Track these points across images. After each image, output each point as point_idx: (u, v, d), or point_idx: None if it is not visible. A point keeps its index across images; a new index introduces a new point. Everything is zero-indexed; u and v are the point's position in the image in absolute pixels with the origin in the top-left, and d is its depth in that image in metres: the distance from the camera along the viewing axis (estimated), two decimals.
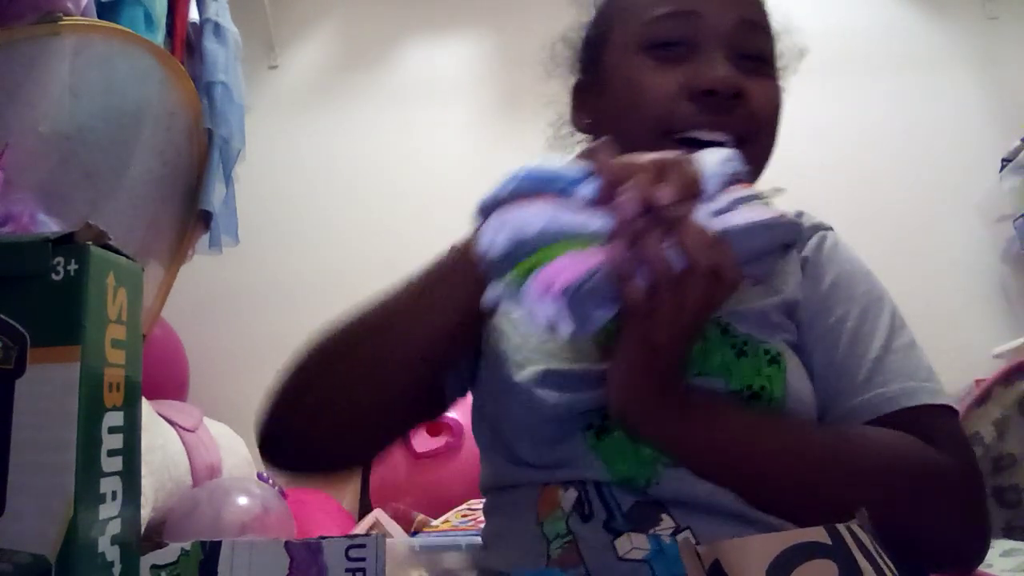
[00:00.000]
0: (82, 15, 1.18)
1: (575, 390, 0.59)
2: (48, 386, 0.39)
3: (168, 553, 0.56)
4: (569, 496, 0.58)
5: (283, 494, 1.74)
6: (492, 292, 0.48)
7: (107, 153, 1.32)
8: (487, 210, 0.49)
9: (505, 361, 0.63)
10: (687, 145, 0.60)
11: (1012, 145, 2.18)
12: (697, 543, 0.46)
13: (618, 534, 0.54)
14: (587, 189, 0.48)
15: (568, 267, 0.45)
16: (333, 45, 2.56)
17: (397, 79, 2.49)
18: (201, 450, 1.63)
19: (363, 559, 0.55)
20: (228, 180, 1.64)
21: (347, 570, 0.55)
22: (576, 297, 0.44)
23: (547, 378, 0.60)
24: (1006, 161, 2.20)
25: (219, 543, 0.56)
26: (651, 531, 0.54)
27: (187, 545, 0.57)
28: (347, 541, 0.56)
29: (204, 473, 1.60)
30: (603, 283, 0.45)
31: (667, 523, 0.55)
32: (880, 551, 0.54)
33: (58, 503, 0.38)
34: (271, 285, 2.25)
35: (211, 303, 2.18)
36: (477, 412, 0.69)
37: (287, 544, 0.56)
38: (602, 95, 0.69)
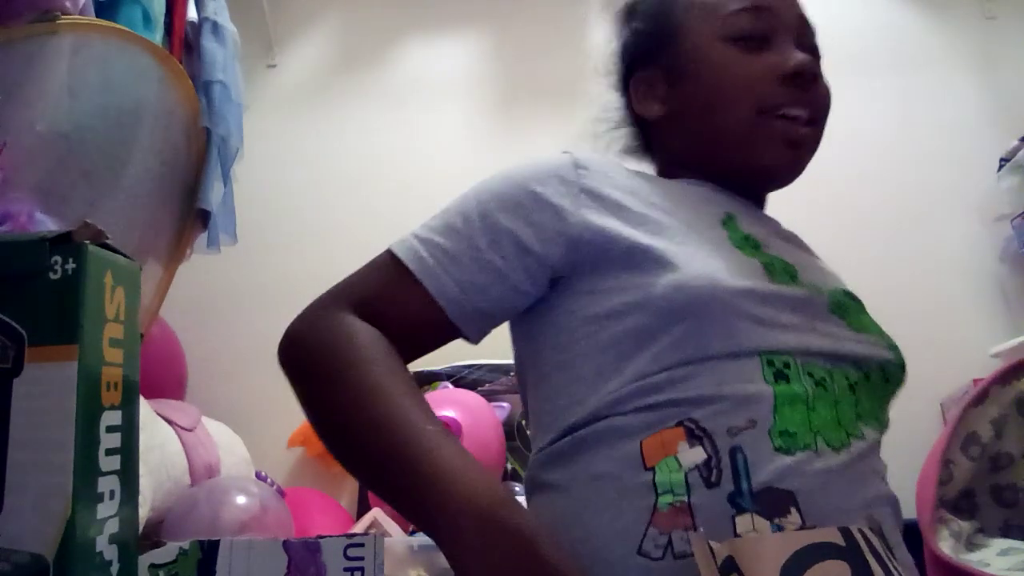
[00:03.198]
0: (80, 14, 1.18)
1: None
2: (46, 385, 0.39)
3: (166, 552, 0.56)
4: (694, 454, 0.55)
5: (281, 493, 1.74)
6: None
7: (105, 152, 1.32)
8: None
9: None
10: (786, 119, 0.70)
11: (1010, 145, 2.19)
12: None
13: (741, 510, 0.53)
14: None
15: None
16: (332, 44, 2.55)
17: (396, 78, 2.48)
18: (199, 449, 1.62)
19: (361, 558, 0.55)
20: (226, 179, 1.64)
21: (345, 569, 0.55)
22: None
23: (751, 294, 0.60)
24: (1004, 160, 2.20)
25: (217, 542, 0.56)
26: (776, 520, 0.53)
27: (185, 544, 0.56)
28: (345, 540, 0.56)
29: (202, 472, 1.60)
30: None
31: (794, 518, 0.53)
32: (891, 554, 0.54)
33: (56, 502, 0.38)
34: (269, 284, 2.24)
35: (209, 302, 2.17)
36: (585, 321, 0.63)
37: (285, 543, 0.56)
38: (681, 83, 0.75)
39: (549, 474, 0.62)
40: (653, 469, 0.55)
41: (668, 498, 0.54)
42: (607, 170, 0.69)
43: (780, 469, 0.54)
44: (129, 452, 0.43)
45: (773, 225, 0.77)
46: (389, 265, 0.66)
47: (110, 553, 0.41)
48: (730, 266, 0.61)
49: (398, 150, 2.39)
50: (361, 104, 2.46)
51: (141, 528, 1.30)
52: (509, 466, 1.87)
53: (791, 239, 0.77)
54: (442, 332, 0.65)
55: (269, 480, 1.82)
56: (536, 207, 0.65)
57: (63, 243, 0.41)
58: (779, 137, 0.70)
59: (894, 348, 0.70)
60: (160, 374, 1.83)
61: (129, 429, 0.43)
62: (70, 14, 1.15)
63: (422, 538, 1.42)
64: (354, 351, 0.60)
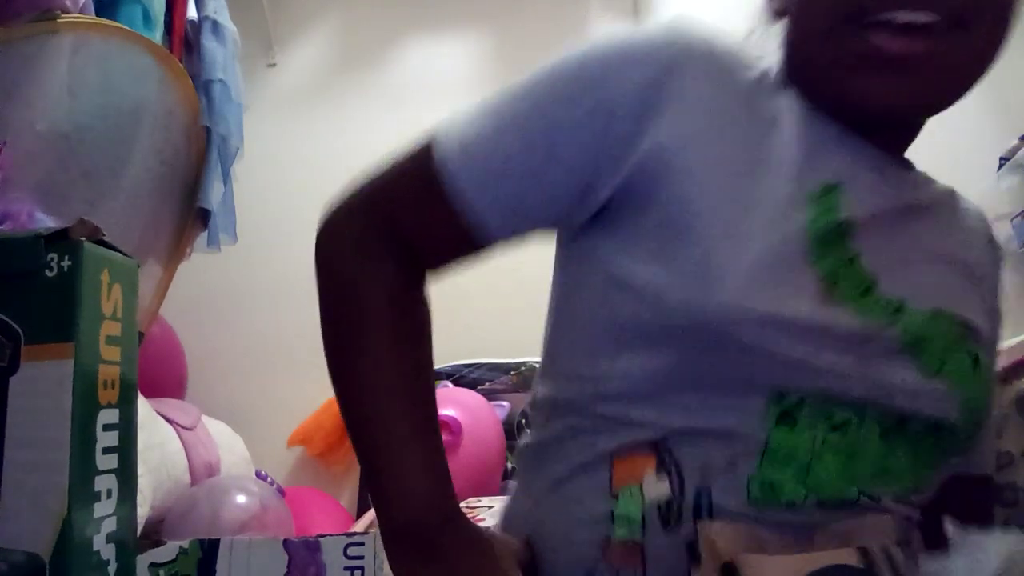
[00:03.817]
0: (80, 13, 1.18)
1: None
2: (42, 383, 0.39)
3: (166, 551, 0.56)
4: (659, 488, 0.49)
5: (281, 492, 1.74)
6: None
7: (105, 152, 1.32)
8: None
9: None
10: (883, 29, 0.51)
11: (1010, 144, 2.18)
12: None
13: (698, 562, 0.47)
14: None
15: None
16: (332, 43, 2.55)
17: (396, 78, 2.48)
18: (199, 448, 1.62)
19: (361, 557, 0.55)
20: (226, 178, 1.64)
21: (345, 568, 0.55)
22: None
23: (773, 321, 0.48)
24: (1004, 160, 2.20)
25: (217, 541, 0.56)
26: None
27: (185, 543, 0.56)
28: (345, 539, 0.56)
29: (202, 471, 1.60)
30: None
31: None
32: (915, 571, 0.49)
33: (52, 501, 0.38)
34: (269, 283, 2.24)
35: (209, 301, 2.17)
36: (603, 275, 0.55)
37: (285, 542, 0.56)
38: None
39: (527, 473, 0.60)
40: (616, 497, 0.51)
41: (623, 532, 0.49)
42: (714, 73, 0.54)
43: (748, 521, 0.48)
44: (127, 450, 0.43)
45: (903, 192, 0.61)
46: (426, 167, 0.57)
47: (107, 552, 0.40)
48: (776, 280, 0.49)
49: (398, 150, 2.39)
50: (361, 104, 2.46)
51: (141, 527, 1.30)
52: (509, 465, 1.87)
53: (924, 211, 0.63)
54: (476, 249, 0.58)
55: (269, 479, 1.82)
56: (600, 125, 0.52)
57: (59, 241, 0.41)
58: (871, 52, 0.51)
59: (968, 403, 0.54)
60: (160, 373, 1.83)
61: (127, 427, 0.43)
62: (70, 13, 1.15)
63: None
64: (366, 321, 0.55)
